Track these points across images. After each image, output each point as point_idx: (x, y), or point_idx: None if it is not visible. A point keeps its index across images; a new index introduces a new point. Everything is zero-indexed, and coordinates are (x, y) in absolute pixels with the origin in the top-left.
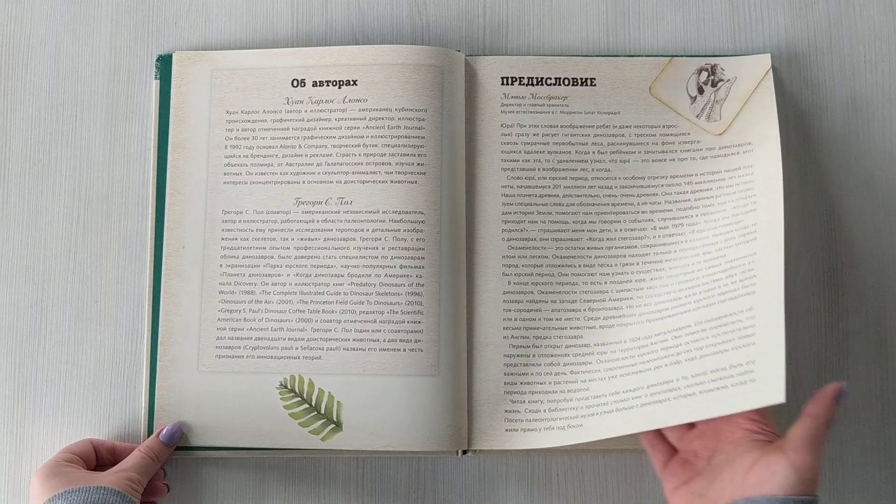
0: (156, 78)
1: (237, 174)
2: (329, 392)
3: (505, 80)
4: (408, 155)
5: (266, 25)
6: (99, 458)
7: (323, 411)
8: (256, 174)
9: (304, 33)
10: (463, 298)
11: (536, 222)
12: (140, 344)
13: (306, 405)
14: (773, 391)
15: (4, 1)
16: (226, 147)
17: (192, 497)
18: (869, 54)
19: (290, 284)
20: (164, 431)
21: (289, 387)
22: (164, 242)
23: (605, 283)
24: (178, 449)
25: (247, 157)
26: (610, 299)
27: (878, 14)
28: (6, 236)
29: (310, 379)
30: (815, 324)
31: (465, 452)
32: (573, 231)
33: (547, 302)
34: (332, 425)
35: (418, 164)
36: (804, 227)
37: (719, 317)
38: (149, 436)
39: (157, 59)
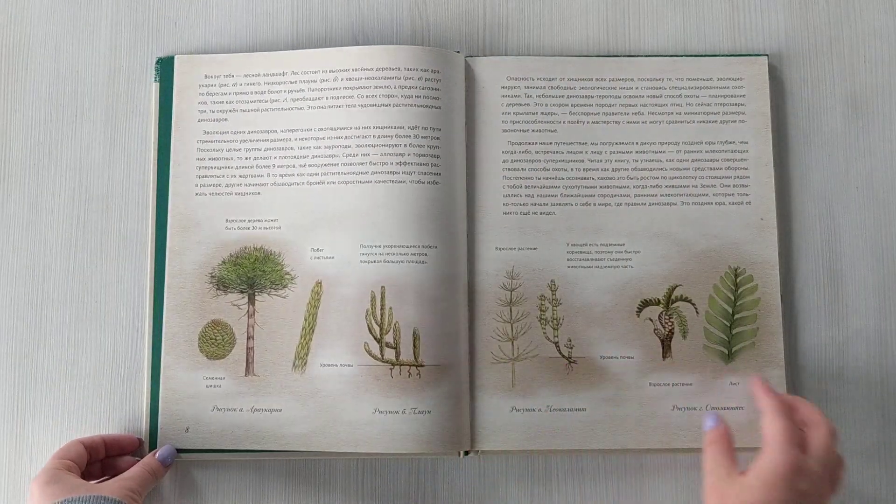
0: (155, 80)
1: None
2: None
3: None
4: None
5: (266, 26)
6: (92, 455)
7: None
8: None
9: (304, 34)
10: (464, 298)
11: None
12: (140, 344)
13: None
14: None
15: (4, 1)
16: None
17: (192, 498)
18: (869, 54)
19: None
20: (159, 452)
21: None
22: (168, 248)
23: None
24: (179, 451)
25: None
26: None
27: (878, 14)
28: (6, 236)
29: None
30: (815, 324)
31: (466, 453)
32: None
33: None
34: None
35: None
36: (804, 227)
37: None
38: (150, 438)
39: (157, 62)
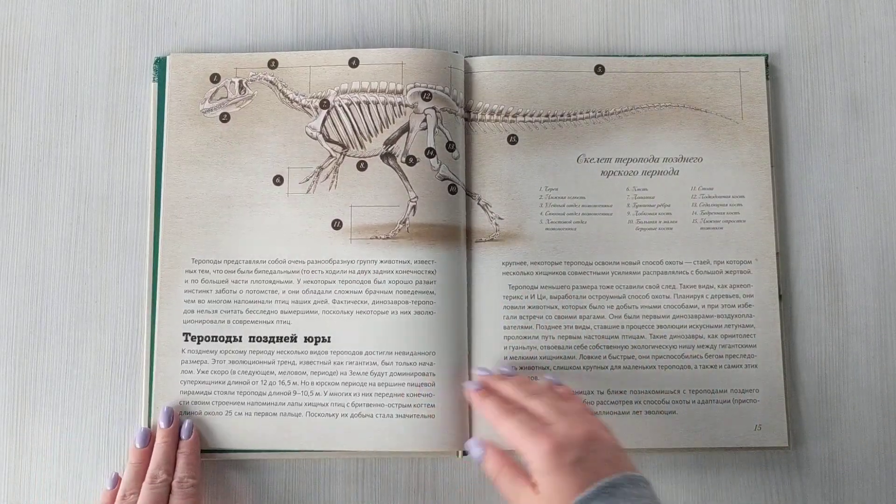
0: (154, 80)
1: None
2: None
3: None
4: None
5: (266, 26)
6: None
7: None
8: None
9: (304, 34)
10: (464, 306)
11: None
12: (140, 344)
13: None
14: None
15: (4, 1)
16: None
17: None
18: (869, 54)
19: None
20: (182, 431)
21: None
22: (160, 251)
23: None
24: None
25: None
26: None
27: (878, 14)
28: (6, 236)
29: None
30: (815, 324)
31: (465, 453)
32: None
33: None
34: None
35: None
36: (804, 227)
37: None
38: (165, 419)
39: (155, 62)
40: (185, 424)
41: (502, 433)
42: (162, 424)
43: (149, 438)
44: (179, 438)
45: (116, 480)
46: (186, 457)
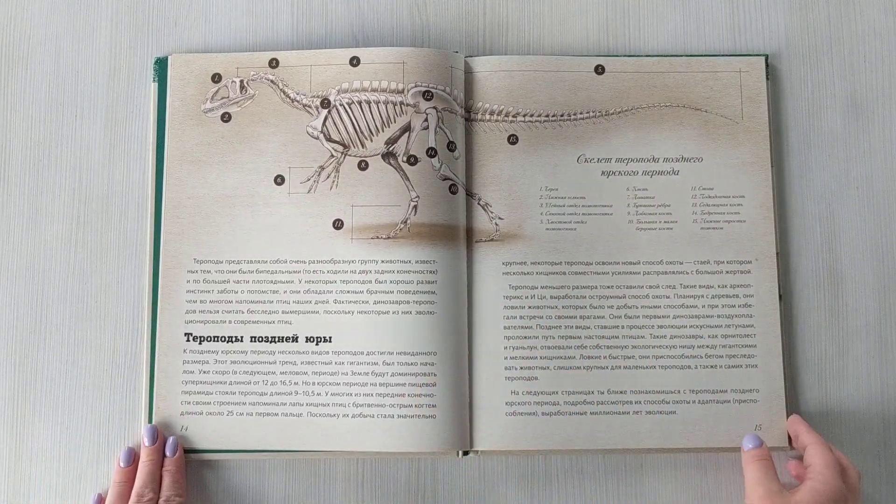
0: (154, 80)
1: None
2: None
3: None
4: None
5: (266, 26)
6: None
7: None
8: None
9: (304, 34)
10: (464, 306)
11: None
12: (140, 344)
13: None
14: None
15: (4, 1)
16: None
17: (192, 498)
18: (869, 54)
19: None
20: (167, 449)
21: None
22: (162, 251)
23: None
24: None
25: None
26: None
27: (878, 14)
28: (6, 236)
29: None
30: (815, 324)
31: (465, 453)
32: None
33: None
34: None
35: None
36: (804, 227)
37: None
38: (149, 438)
39: (155, 62)
40: (170, 441)
41: (814, 451)
42: (146, 442)
43: (133, 457)
44: (164, 456)
45: (100, 501)
46: (172, 475)
